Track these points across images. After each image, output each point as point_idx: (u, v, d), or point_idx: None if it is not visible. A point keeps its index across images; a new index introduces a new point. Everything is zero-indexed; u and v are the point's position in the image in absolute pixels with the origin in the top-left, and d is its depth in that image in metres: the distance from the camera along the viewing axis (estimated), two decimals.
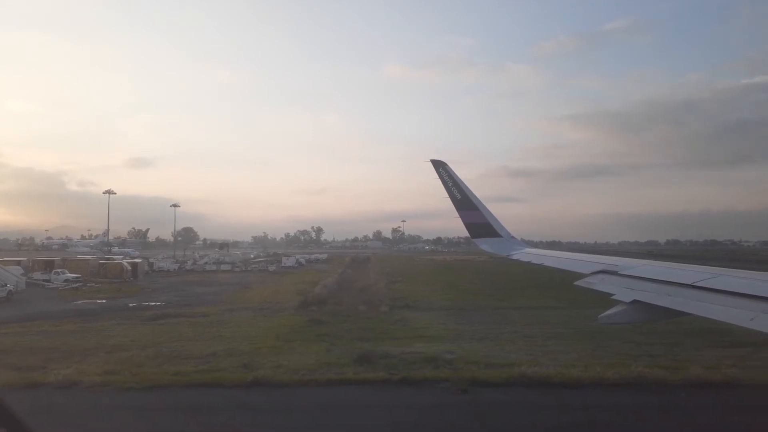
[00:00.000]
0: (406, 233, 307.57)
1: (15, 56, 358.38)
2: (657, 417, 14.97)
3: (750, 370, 18.68)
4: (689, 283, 7.11)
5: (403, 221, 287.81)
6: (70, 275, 56.73)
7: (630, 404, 15.81)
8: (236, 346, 24.27)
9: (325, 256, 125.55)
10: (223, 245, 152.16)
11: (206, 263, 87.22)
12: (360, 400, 16.24)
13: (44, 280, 55.37)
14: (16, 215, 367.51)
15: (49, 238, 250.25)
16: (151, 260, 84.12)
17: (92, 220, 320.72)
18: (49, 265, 61.87)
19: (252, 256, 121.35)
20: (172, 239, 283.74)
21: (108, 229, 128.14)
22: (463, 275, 74.34)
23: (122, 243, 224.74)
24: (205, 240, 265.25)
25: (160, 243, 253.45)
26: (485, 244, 15.78)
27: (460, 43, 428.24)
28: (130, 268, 64.77)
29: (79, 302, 42.72)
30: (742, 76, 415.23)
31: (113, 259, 72.80)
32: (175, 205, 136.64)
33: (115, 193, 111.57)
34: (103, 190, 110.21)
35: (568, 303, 40.35)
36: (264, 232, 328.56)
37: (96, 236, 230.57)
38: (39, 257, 72.33)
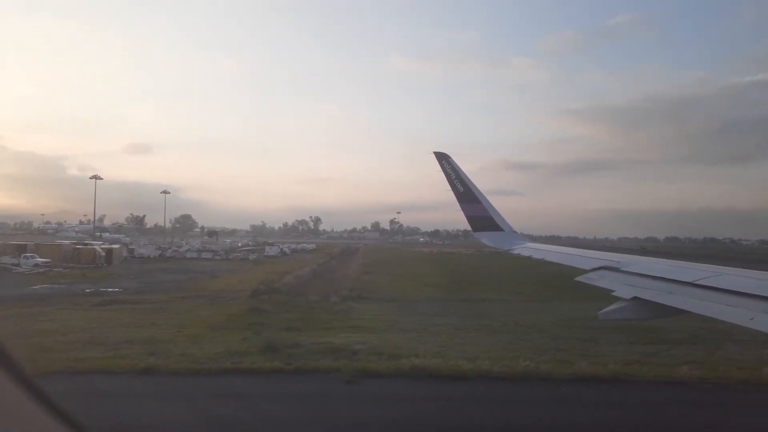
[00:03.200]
0: (405, 225, 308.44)
1: (17, 41, 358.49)
2: (515, 408, 15.06)
3: (647, 366, 18.71)
4: (690, 281, 7.10)
5: (399, 213, 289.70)
6: (39, 260, 57.05)
7: (497, 396, 15.91)
8: (158, 333, 24.40)
9: (312, 246, 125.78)
10: (212, 233, 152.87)
11: (187, 251, 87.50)
12: (239, 389, 16.28)
13: (13, 265, 55.68)
14: (16, 199, 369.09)
15: (47, 222, 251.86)
16: (131, 246, 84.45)
17: (91, 204, 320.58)
18: (20, 249, 62.16)
19: (240, 244, 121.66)
20: (170, 226, 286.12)
21: (95, 215, 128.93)
22: (439, 267, 74.46)
23: (118, 229, 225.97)
24: (202, 227, 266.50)
25: (158, 230, 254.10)
26: (486, 238, 15.98)
27: (464, 36, 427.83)
28: (104, 253, 64.96)
29: (38, 287, 42.97)
30: (745, 73, 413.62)
31: (91, 245, 73.02)
32: (165, 192, 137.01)
33: (102, 179, 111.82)
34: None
35: (528, 297, 40.70)
36: (262, 221, 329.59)
37: (91, 221, 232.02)
38: (12, 242, 72.52)
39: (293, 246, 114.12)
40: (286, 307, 33.42)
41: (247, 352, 20.19)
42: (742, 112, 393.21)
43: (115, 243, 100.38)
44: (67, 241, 79.13)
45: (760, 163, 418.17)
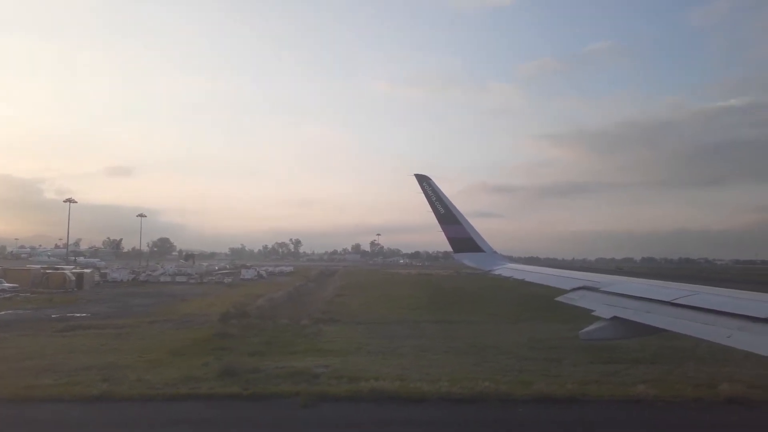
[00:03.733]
0: (386, 247, 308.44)
1: None
2: (470, 430, 15.00)
3: (604, 386, 18.81)
4: (668, 300, 7.15)
5: (378, 235, 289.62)
6: (6, 285, 55.78)
7: (453, 418, 15.84)
8: (119, 359, 23.91)
9: (290, 268, 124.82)
10: (188, 256, 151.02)
11: (161, 275, 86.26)
12: (192, 415, 16.04)
13: None
14: None
15: (22, 246, 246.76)
16: (104, 270, 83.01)
17: (70, 229, 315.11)
18: None
19: (216, 267, 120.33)
20: (147, 249, 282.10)
21: (68, 239, 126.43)
22: (415, 289, 74.21)
23: (94, 253, 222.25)
24: (180, 251, 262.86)
25: (136, 253, 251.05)
26: (467, 259, 15.88)
27: (445, 62, 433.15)
28: (74, 278, 63.76)
29: (2, 312, 41.84)
30: (717, 99, 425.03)
31: (61, 269, 71.65)
32: (141, 215, 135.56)
33: (76, 202, 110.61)
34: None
35: (500, 318, 40.77)
36: (242, 244, 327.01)
37: (64, 245, 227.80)
38: None
39: (270, 269, 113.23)
40: (253, 331, 33.00)
41: (206, 378, 19.88)
42: (715, 136, 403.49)
43: (89, 267, 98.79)
44: (37, 266, 77.57)
45: (733, 185, 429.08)
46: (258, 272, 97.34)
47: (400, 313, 44.90)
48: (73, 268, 77.14)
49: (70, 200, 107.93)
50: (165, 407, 16.67)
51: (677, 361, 23.40)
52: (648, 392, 17.30)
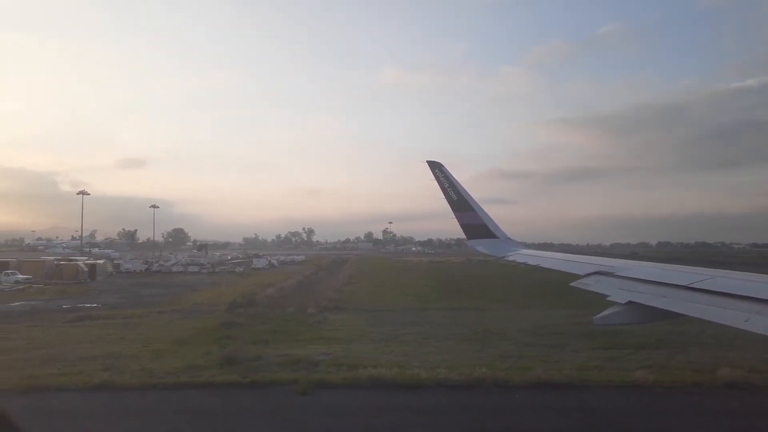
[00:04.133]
0: (399, 235, 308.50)
1: (8, 56, 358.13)
2: (464, 417, 14.97)
3: (604, 371, 18.72)
4: (684, 284, 7.09)
5: (390, 223, 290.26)
6: (20, 276, 56.69)
7: (449, 405, 15.84)
8: (124, 348, 24.24)
9: (302, 257, 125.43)
10: (201, 246, 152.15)
11: (173, 265, 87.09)
12: (190, 404, 16.19)
13: None
14: (8, 216, 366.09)
15: (39, 238, 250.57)
16: (117, 261, 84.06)
17: (85, 221, 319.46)
18: (1, 267, 61.69)
19: (229, 257, 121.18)
20: (162, 240, 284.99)
21: (82, 230, 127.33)
22: (425, 277, 74.29)
23: (109, 244, 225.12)
24: (195, 241, 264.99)
25: (150, 244, 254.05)
26: (481, 246, 15.84)
27: (453, 46, 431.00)
28: (86, 269, 64.61)
29: (16, 304, 42.56)
30: (732, 80, 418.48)
31: (74, 260, 72.64)
32: (154, 206, 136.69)
33: (89, 194, 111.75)
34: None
35: (508, 304, 40.75)
36: (255, 234, 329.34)
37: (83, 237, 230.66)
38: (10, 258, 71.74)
39: (282, 258, 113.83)
40: (260, 320, 33.23)
41: (207, 366, 20.07)
42: (730, 118, 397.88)
43: (103, 258, 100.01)
44: (51, 258, 78.69)
45: (750, 167, 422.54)
46: (269, 261, 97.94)
47: (407, 300, 44.99)
48: (87, 260, 78.10)
49: (83, 192, 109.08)
50: (164, 396, 16.84)
51: (682, 346, 23.21)
52: (647, 378, 17.17)
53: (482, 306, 40.08)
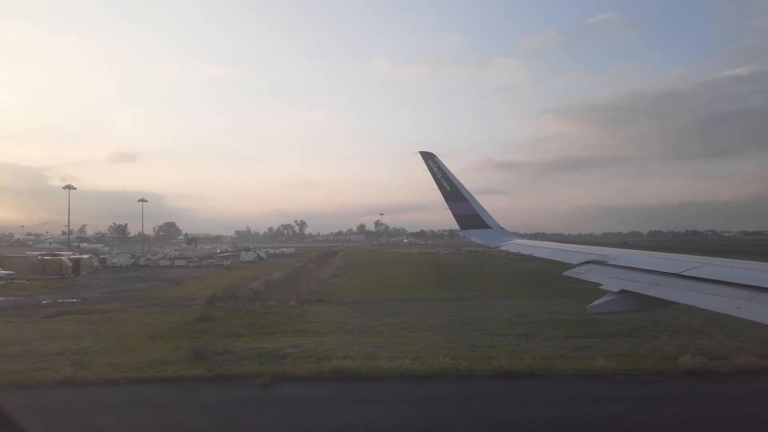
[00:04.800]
0: (391, 226, 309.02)
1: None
2: (420, 407, 15.02)
3: (569, 360, 18.81)
4: (676, 272, 7.12)
5: (382, 214, 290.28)
6: (2, 272, 56.24)
7: (407, 395, 15.90)
8: (96, 344, 24.11)
9: (292, 250, 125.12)
10: (191, 240, 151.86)
11: (160, 259, 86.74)
12: (150, 398, 16.14)
13: None
14: None
15: (29, 233, 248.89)
16: (102, 255, 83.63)
17: (76, 215, 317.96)
18: None
19: (218, 250, 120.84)
20: (153, 234, 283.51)
21: (69, 225, 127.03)
22: (412, 268, 74.31)
23: (100, 238, 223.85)
24: (186, 235, 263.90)
25: (142, 238, 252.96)
26: (475, 236, 15.85)
27: (446, 38, 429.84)
28: (70, 264, 64.19)
29: None
30: (724, 68, 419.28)
31: (59, 255, 72.15)
32: (143, 200, 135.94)
33: (75, 189, 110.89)
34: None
35: (489, 294, 40.85)
36: (247, 227, 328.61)
37: (72, 231, 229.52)
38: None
39: (272, 251, 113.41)
40: (238, 314, 33.17)
41: (174, 361, 19.98)
42: (722, 106, 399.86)
43: (91, 253, 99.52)
44: (35, 253, 78.14)
45: (741, 155, 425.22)
46: (258, 254, 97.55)
47: (390, 291, 45.02)
48: (72, 254, 77.61)
49: (69, 187, 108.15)
50: (124, 390, 16.79)
51: (653, 334, 23.37)
52: (608, 366, 17.25)
53: (464, 296, 40.19)
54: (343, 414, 14.61)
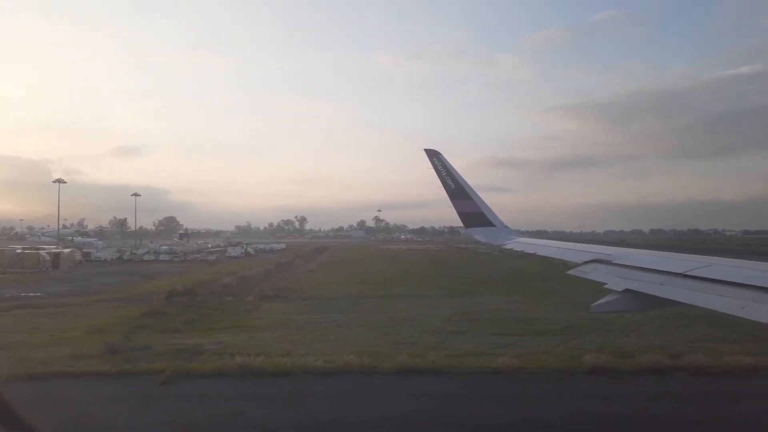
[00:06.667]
0: (393, 223, 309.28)
1: (2, 43, 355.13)
2: (307, 403, 14.85)
3: (480, 358, 18.57)
4: (681, 272, 7.13)
5: (379, 211, 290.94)
6: None
7: (299, 391, 15.69)
8: (28, 338, 24.03)
9: (282, 246, 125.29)
10: (183, 235, 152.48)
11: (145, 253, 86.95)
12: (43, 393, 15.99)
13: None
14: (1, 204, 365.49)
15: (30, 227, 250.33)
16: (86, 250, 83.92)
17: (80, 209, 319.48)
18: None
19: (209, 245, 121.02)
20: (154, 228, 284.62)
21: (59, 219, 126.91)
22: (391, 264, 74.12)
23: (99, 232, 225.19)
24: (186, 229, 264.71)
25: (142, 232, 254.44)
26: (478, 234, 15.95)
27: (450, 33, 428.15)
28: (48, 258, 64.38)
29: None
30: (727, 67, 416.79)
31: (41, 248, 72.39)
32: (135, 194, 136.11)
33: (65, 182, 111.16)
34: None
35: (449, 292, 40.65)
36: (247, 222, 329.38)
37: (71, 225, 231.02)
38: None
39: (261, 246, 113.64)
40: (190, 309, 32.93)
41: (90, 356, 19.82)
42: (726, 105, 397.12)
43: (85, 246, 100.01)
44: (16, 246, 78.41)
45: (744, 154, 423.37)
46: (245, 250, 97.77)
47: (355, 288, 44.74)
48: (55, 248, 77.89)
49: (59, 180, 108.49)
50: (20, 386, 16.61)
51: (585, 331, 23.17)
52: (511, 363, 17.05)
53: (425, 293, 40.04)
54: (224, 410, 14.44)
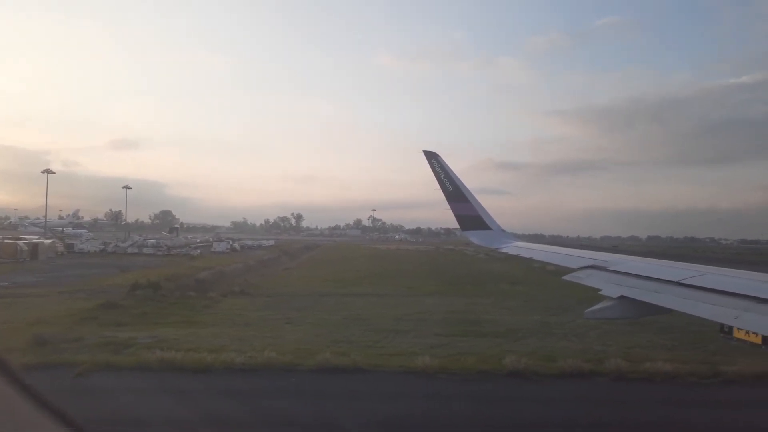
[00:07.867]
0: (389, 222, 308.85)
1: (2, 36, 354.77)
2: (218, 399, 14.69)
3: (405, 357, 18.40)
4: (676, 280, 7.14)
5: (374, 210, 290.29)
6: None
7: (213, 387, 15.60)
8: None
9: (271, 242, 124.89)
10: (172, 229, 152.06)
11: (129, 246, 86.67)
12: None
13: None
14: None
15: (25, 217, 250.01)
16: (69, 241, 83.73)
17: (76, 200, 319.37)
18: None
19: (198, 240, 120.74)
20: (149, 222, 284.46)
21: (46, 210, 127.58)
22: (370, 264, 73.78)
23: (94, 224, 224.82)
24: (182, 224, 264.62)
25: (138, 225, 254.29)
26: (475, 237, 15.93)
27: (450, 36, 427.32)
28: (26, 248, 64.11)
29: None
30: (727, 76, 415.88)
31: (21, 239, 72.16)
32: (126, 187, 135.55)
33: (54, 173, 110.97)
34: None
35: (413, 292, 40.48)
36: (244, 218, 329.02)
37: (67, 216, 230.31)
38: None
39: (249, 242, 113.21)
40: (147, 302, 32.82)
41: (17, 348, 19.53)
42: (725, 113, 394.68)
43: (75, 238, 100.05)
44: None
45: (743, 164, 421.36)
46: (231, 245, 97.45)
47: (324, 286, 44.54)
48: (38, 238, 77.71)
49: (47, 171, 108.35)
50: None
51: (525, 334, 23.09)
52: (430, 364, 16.88)
53: (390, 293, 39.86)
54: (118, 403, 14.24)
